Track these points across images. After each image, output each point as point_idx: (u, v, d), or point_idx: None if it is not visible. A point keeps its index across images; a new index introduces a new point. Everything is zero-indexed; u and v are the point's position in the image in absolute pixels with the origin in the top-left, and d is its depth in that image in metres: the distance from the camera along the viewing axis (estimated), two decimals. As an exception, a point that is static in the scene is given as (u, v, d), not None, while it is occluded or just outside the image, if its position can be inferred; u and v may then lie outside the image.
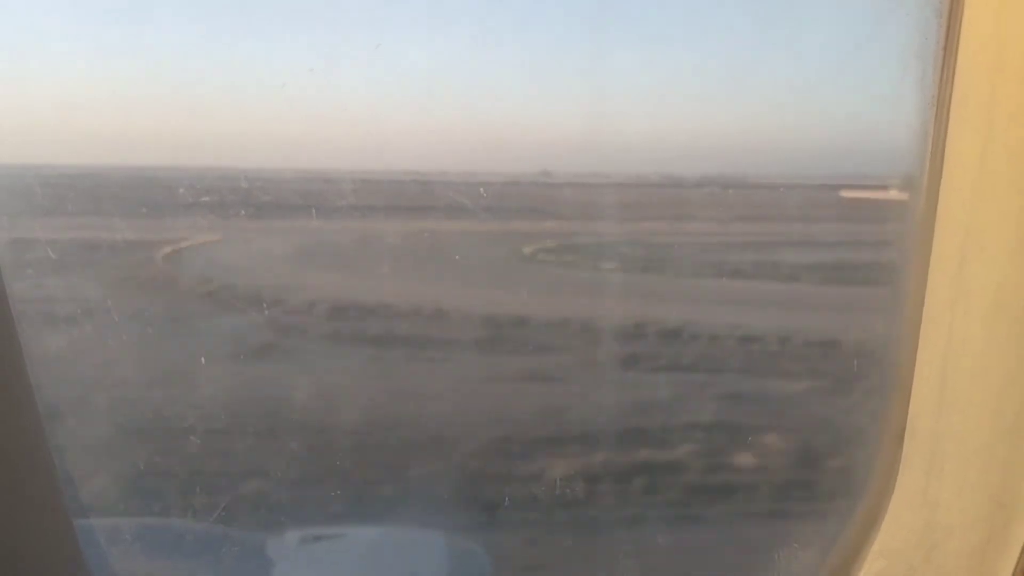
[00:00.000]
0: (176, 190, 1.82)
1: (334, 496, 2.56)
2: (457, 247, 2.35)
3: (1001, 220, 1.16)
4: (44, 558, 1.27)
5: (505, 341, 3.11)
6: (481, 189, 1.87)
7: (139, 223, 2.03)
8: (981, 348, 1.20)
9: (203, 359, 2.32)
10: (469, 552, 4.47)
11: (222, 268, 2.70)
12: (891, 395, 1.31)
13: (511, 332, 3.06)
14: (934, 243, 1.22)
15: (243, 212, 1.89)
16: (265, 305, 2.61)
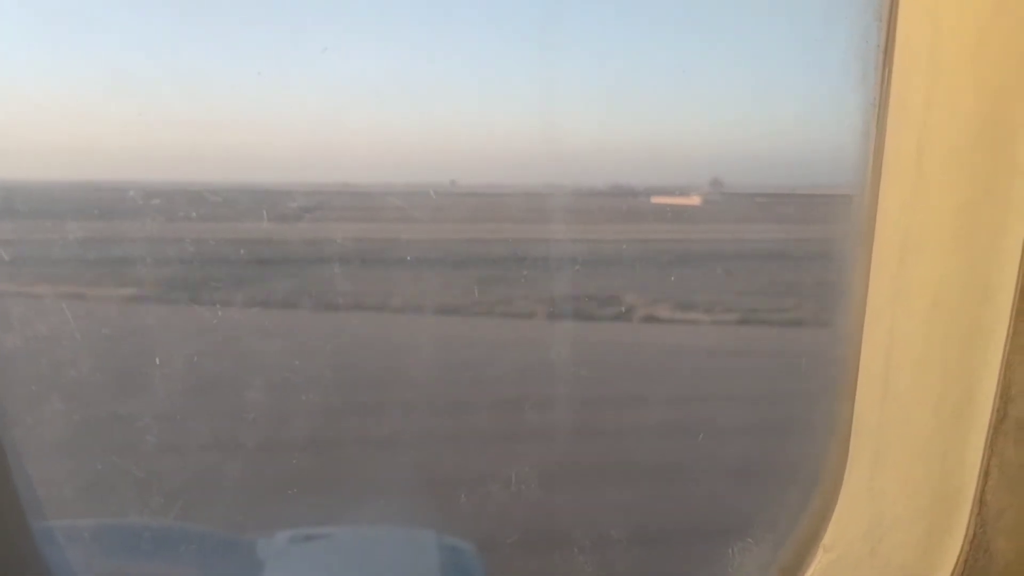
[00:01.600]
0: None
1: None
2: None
3: (938, 219, 1.19)
4: (3, 561, 1.26)
5: None
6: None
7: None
8: (921, 344, 1.23)
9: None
10: (460, 550, 4.48)
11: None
12: (838, 391, 1.34)
13: None
14: (875, 242, 1.24)
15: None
16: None
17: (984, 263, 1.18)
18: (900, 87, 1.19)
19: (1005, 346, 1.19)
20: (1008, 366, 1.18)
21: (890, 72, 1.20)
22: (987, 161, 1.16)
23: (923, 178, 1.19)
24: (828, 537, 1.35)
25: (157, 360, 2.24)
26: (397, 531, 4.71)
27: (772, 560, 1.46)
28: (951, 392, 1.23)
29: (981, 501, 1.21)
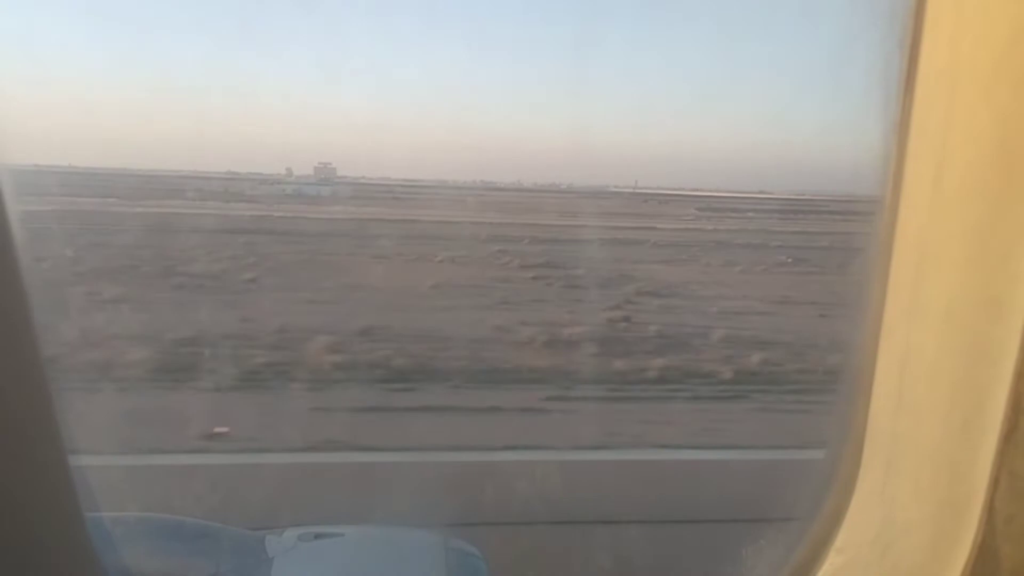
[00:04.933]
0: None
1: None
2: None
3: (953, 238, 1.24)
4: (56, 548, 1.35)
5: None
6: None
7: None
8: (934, 356, 1.28)
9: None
10: (465, 552, 4.55)
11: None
12: (853, 399, 1.39)
13: None
14: (892, 258, 1.30)
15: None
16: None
17: (998, 280, 1.23)
18: (921, 111, 1.25)
19: (1017, 361, 1.23)
20: (1019, 379, 1.22)
21: (911, 97, 1.26)
22: (1003, 183, 1.21)
23: (941, 198, 1.25)
24: (840, 540, 1.40)
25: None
26: (405, 532, 4.77)
27: (785, 561, 1.50)
28: (962, 403, 1.28)
29: (990, 508, 1.25)
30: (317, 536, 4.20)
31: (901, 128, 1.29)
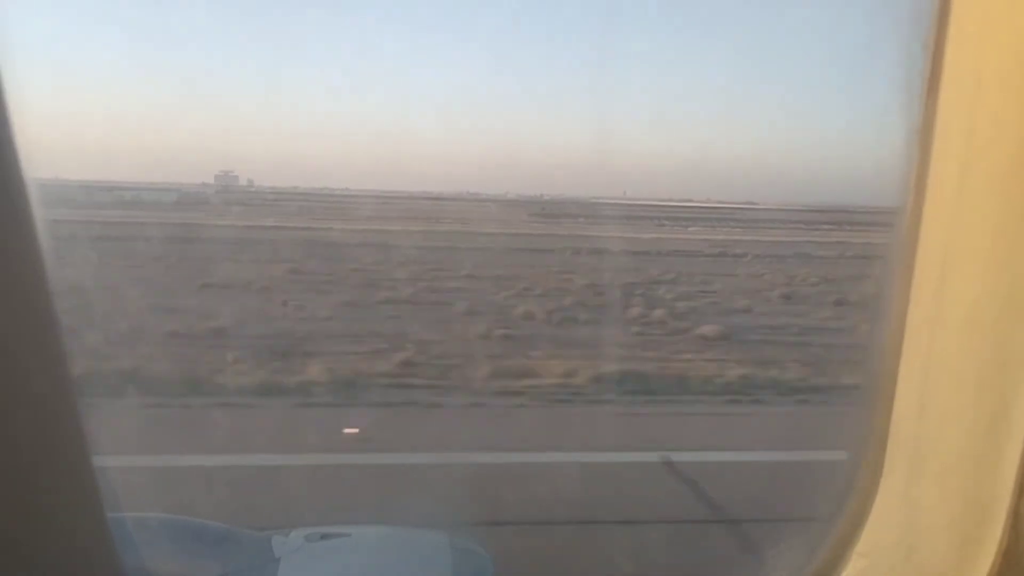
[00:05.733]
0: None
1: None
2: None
3: (977, 241, 1.24)
4: (79, 548, 1.35)
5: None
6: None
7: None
8: (957, 360, 1.28)
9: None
10: (473, 553, 4.55)
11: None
12: (876, 402, 1.39)
13: None
14: (916, 262, 1.30)
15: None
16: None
17: (1022, 284, 1.23)
18: (945, 114, 1.25)
19: None
20: None
21: (935, 99, 1.26)
22: None
23: (964, 203, 1.24)
24: (862, 543, 1.40)
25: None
26: (411, 532, 4.78)
27: (807, 564, 1.50)
28: (985, 405, 1.27)
29: (1015, 512, 1.25)
30: (324, 536, 4.20)
31: (924, 132, 1.29)
